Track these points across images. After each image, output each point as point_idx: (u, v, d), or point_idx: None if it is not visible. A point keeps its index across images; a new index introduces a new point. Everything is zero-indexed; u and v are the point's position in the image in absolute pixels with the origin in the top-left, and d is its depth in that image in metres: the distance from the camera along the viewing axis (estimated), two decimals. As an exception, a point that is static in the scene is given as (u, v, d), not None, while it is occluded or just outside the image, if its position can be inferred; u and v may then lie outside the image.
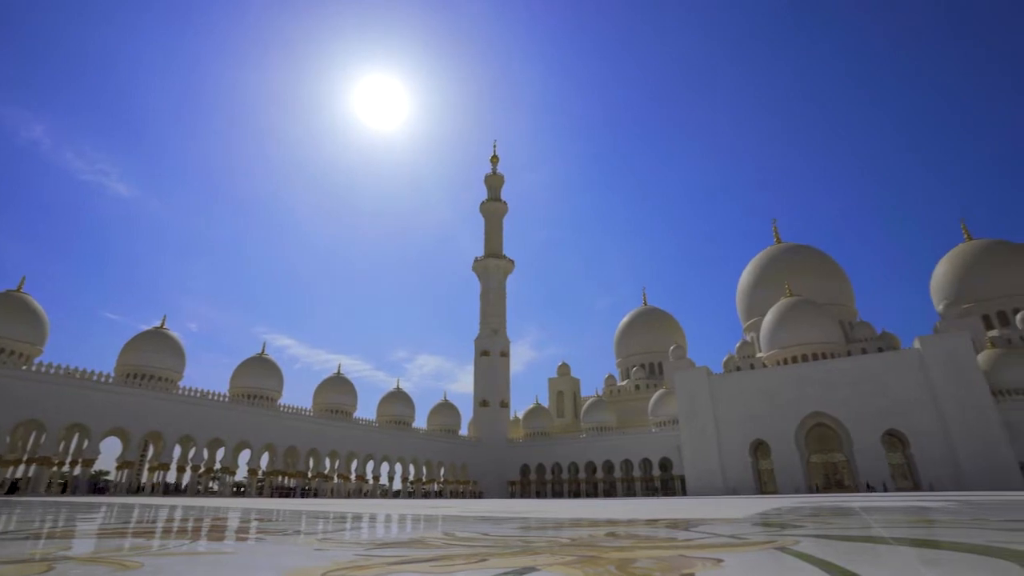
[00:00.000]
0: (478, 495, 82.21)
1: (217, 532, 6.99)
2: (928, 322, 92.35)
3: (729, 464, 67.31)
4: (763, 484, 65.98)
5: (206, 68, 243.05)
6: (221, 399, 59.97)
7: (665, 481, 76.17)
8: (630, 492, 78.31)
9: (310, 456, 68.50)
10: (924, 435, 58.54)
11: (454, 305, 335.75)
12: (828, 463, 64.30)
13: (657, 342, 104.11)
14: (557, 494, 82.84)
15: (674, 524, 8.75)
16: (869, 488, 58.36)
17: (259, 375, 69.67)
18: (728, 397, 70.15)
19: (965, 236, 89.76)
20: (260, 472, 65.28)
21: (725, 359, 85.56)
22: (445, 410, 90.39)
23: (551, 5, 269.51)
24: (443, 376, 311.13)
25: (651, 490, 77.57)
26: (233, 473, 61.60)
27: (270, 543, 5.37)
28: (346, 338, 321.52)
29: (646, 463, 78.28)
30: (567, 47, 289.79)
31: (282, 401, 69.80)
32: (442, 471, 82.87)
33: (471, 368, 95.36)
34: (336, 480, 71.20)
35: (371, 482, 73.66)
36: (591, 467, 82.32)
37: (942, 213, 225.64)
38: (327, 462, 69.84)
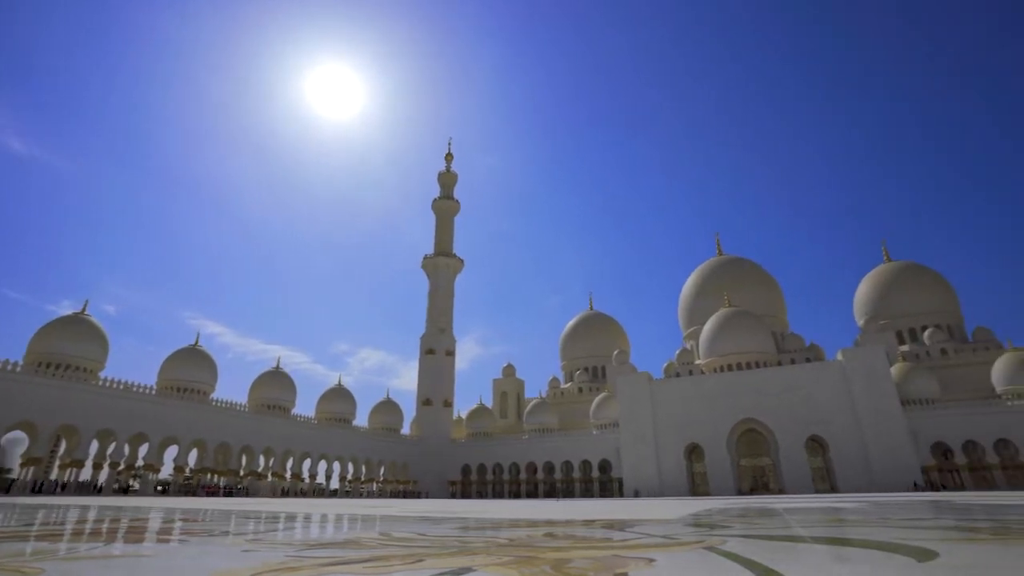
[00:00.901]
0: (418, 495, 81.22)
1: (135, 534, 6.57)
2: (851, 335, 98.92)
3: (665, 467, 69.58)
4: (696, 486, 68.61)
5: (145, 28, 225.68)
6: (148, 392, 56.43)
7: (604, 483, 77.87)
8: (569, 493, 79.53)
9: (243, 453, 65.61)
10: (842, 441, 62.60)
11: (400, 299, 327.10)
12: (756, 466, 67.63)
13: (601, 346, 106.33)
14: (498, 495, 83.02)
15: (610, 525, 8.94)
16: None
17: (191, 367, 65.96)
18: (667, 402, 72.52)
19: (885, 257, 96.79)
20: (188, 470, 61.94)
21: (666, 365, 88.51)
22: (387, 408, 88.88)
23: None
24: (386, 371, 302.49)
25: (590, 492, 79.10)
26: (157, 471, 58.14)
27: (194, 544, 5.10)
28: (283, 328, 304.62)
29: (586, 465, 79.74)
30: (526, 44, 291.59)
31: (215, 396, 66.40)
32: (382, 470, 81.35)
33: (415, 364, 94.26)
34: (271, 478, 68.54)
35: (307, 481, 71.35)
36: (532, 468, 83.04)
37: (868, 234, 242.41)
38: (261, 460, 67.10)
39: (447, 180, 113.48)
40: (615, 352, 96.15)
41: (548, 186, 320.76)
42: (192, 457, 62.76)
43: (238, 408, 64.99)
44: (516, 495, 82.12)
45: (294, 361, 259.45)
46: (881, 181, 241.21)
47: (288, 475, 68.61)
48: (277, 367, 76.72)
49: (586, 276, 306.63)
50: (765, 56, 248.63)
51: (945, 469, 62.58)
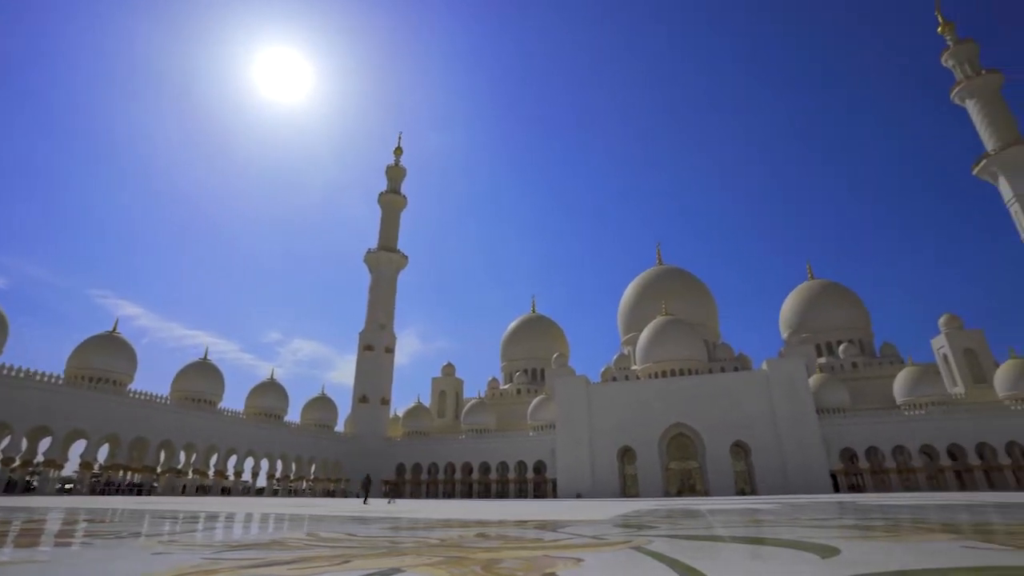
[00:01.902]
0: (351, 494, 79.10)
1: (30, 536, 6.03)
2: (776, 347, 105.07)
3: (599, 468, 71.25)
4: (627, 488, 70.67)
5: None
6: (54, 381, 51.85)
7: (538, 484, 78.82)
8: (503, 494, 79.92)
9: (161, 449, 61.58)
10: (763, 446, 66.34)
11: (338, 289, 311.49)
12: (684, 470, 70.50)
13: (542, 349, 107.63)
14: (432, 494, 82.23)
15: (542, 525, 9.06)
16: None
17: (108, 354, 61.09)
18: (603, 405, 74.30)
19: (809, 276, 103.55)
20: (97, 466, 57.41)
21: (603, 369, 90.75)
22: (321, 404, 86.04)
23: None
24: (320, 364, 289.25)
25: (524, 492, 79.79)
26: (60, 467, 53.55)
27: (99, 548, 4.74)
28: (210, 313, 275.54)
29: (521, 465, 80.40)
30: (480, 38, 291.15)
31: (134, 387, 61.91)
32: (313, 468, 78.69)
33: (351, 357, 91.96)
34: (192, 476, 64.68)
35: (232, 478, 67.90)
36: (468, 468, 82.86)
37: (796, 254, 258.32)
38: (182, 456, 63.20)
39: (395, 174, 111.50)
40: (555, 355, 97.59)
41: (498, 184, 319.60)
42: (103, 453, 58.21)
43: (159, 400, 60.93)
44: (450, 495, 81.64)
45: (220, 350, 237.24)
46: (809, 205, 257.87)
47: (211, 472, 65.09)
48: (205, 358, 72.63)
49: (530, 277, 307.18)
50: (718, 70, 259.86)
51: (850, 472, 67.62)
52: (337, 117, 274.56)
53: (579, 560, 4.16)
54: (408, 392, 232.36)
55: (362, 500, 35.94)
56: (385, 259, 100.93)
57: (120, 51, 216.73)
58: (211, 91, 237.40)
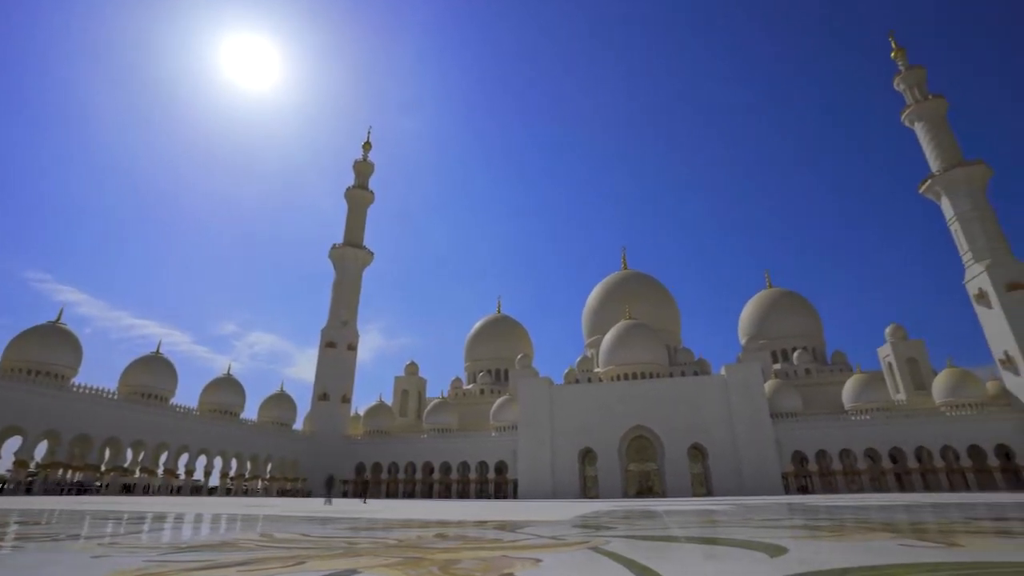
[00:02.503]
0: (307, 494, 77.35)
1: (-43, 536, 5.66)
2: (734, 352, 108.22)
3: (559, 470, 71.81)
4: (587, 489, 71.45)
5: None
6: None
7: (499, 484, 78.84)
8: (464, 494, 79.63)
9: (106, 447, 58.76)
10: (719, 448, 68.17)
11: (301, 282, 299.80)
12: (643, 471, 71.77)
13: (506, 350, 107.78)
14: (392, 494, 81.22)
15: (502, 526, 9.06)
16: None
17: (50, 346, 57.84)
18: (565, 407, 74.94)
19: (768, 284, 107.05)
20: (33, 465, 54.33)
21: (566, 371, 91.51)
22: (280, 401, 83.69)
23: None
24: (279, 358, 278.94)
25: (485, 493, 79.70)
26: (-7, 465, 50.48)
27: (32, 552, 4.49)
28: (160, 300, 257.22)
29: (482, 466, 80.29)
30: (456, 34, 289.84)
31: (78, 380, 58.84)
32: (269, 467, 76.57)
33: (312, 352, 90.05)
34: (139, 474, 61.92)
35: (183, 477, 65.39)
36: (429, 468, 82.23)
37: (755, 262, 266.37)
38: (129, 454, 60.45)
39: (363, 169, 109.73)
40: (519, 356, 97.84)
41: (467, 181, 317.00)
42: (40, 451, 55.16)
43: (105, 395, 58.08)
44: (410, 495, 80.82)
45: (171, 341, 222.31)
46: (769, 216, 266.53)
47: (160, 471, 62.50)
48: (157, 352, 69.65)
49: (496, 277, 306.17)
50: (694, 75, 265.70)
51: (800, 474, 70.21)
52: (304, 105, 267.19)
53: (537, 560, 4.18)
54: (370, 389, 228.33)
55: (324, 501, 35.10)
56: (351, 255, 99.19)
57: (67, 18, 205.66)
58: (170, 69, 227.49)
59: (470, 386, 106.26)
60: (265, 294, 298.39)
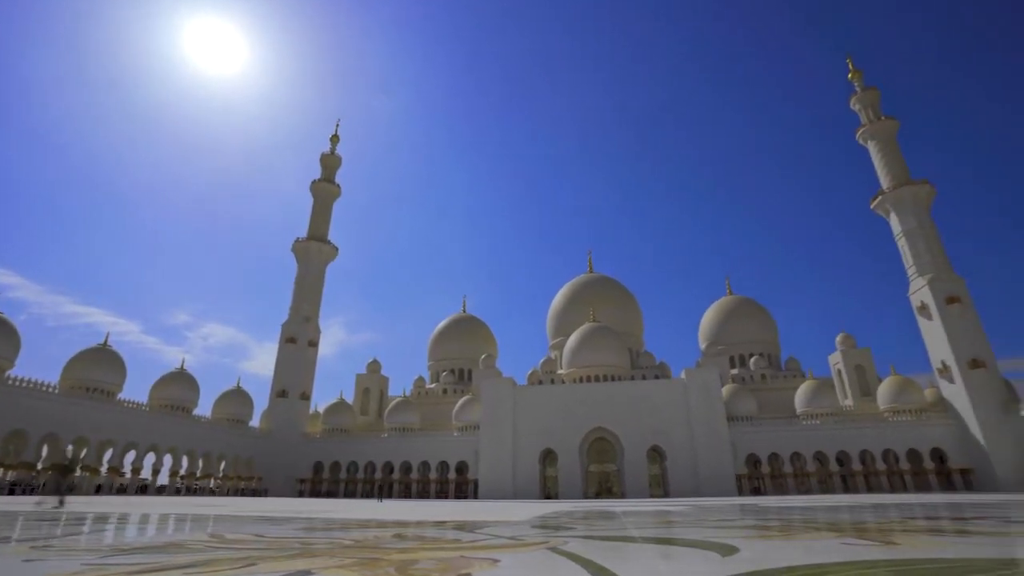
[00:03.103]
0: (262, 493, 75.20)
1: None
2: (694, 357, 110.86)
3: (521, 470, 72.04)
4: (547, 490, 71.92)
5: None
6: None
7: (460, 484, 78.55)
8: (425, 494, 78.99)
9: (44, 443, 55.70)
10: (677, 450, 69.71)
11: (261, 272, 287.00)
12: (603, 472, 72.72)
13: (470, 349, 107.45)
14: (350, 494, 79.83)
15: (461, 526, 9.03)
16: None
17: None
18: (528, 408, 75.24)
19: (727, 290, 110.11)
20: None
21: (530, 372, 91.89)
22: (236, 398, 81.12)
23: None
24: (235, 351, 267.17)
25: (445, 493, 79.28)
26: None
27: (-41, 550, 4.21)
28: (104, 286, 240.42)
29: (443, 466, 79.83)
30: (428, 27, 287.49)
31: (15, 372, 55.51)
32: (223, 465, 74.09)
33: (271, 346, 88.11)
34: (80, 473, 58.91)
35: (129, 476, 62.57)
36: (389, 467, 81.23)
37: (718, 269, 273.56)
38: (70, 451, 57.40)
39: (330, 162, 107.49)
40: (483, 356, 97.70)
41: (438, 177, 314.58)
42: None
43: (44, 388, 55.01)
44: (369, 495, 79.59)
45: (118, 331, 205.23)
46: (731, 225, 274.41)
47: (104, 469, 59.64)
48: (105, 344, 66.45)
49: (463, 276, 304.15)
50: (668, 81, 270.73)
51: (753, 476, 72.48)
52: (268, 88, 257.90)
53: (495, 561, 4.18)
54: (331, 386, 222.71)
55: (376, 500, 34.13)
56: (315, 250, 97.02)
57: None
58: (124, 42, 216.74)
59: (433, 385, 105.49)
60: (221, 283, 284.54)
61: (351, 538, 6.00)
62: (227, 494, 72.44)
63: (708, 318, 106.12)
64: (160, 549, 4.55)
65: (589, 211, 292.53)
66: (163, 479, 67.47)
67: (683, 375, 74.49)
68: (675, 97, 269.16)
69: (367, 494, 79.66)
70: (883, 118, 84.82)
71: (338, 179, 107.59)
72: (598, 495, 69.96)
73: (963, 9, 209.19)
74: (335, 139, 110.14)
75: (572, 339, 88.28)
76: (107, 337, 67.26)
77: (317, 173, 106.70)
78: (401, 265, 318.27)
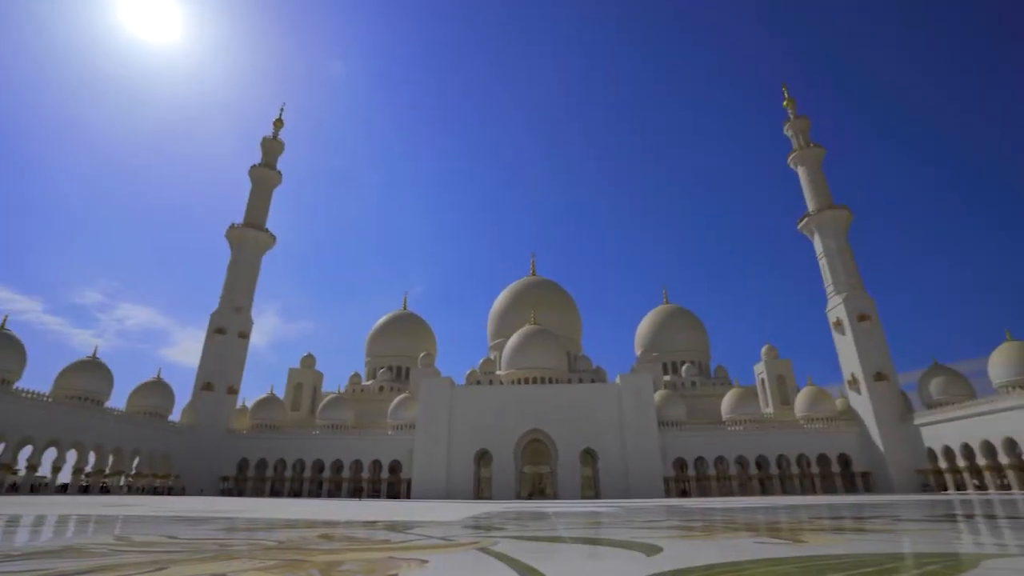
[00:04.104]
0: (180, 491, 70.75)
1: None
2: (629, 362, 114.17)
3: (455, 471, 71.65)
4: (481, 490, 71.93)
5: None
6: None
7: (392, 484, 77.21)
8: (356, 493, 77.04)
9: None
10: (609, 453, 71.55)
11: (187, 248, 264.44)
12: (537, 474, 73.58)
13: (409, 347, 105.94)
14: (276, 492, 76.63)
15: (392, 526, 8.88)
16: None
17: None
18: (465, 408, 74.97)
19: (664, 300, 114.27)
20: None
21: (469, 372, 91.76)
22: (155, 389, 75.88)
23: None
24: (154, 337, 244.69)
25: (377, 492, 77.63)
26: None
27: None
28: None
29: (376, 465, 78.20)
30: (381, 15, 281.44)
31: None
32: (136, 462, 69.12)
33: (196, 332, 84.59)
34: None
35: (23, 473, 57.17)
36: (319, 466, 78.66)
37: (654, 278, 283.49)
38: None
39: (272, 147, 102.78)
40: (422, 355, 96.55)
41: (387, 164, 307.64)
42: None
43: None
44: (297, 494, 76.74)
45: (16, 309, 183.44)
46: (670, 238, 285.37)
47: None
48: (2, 327, 60.43)
49: (404, 272, 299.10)
50: (621, 86, 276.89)
51: (680, 479, 75.53)
52: (208, 57, 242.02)
53: (424, 561, 4.13)
54: (259, 377, 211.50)
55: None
56: (251, 238, 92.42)
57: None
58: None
59: (369, 382, 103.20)
60: (141, 259, 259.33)
61: (274, 539, 5.77)
62: (139, 493, 67.78)
63: (644, 325, 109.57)
64: (56, 554, 4.19)
65: (535, 214, 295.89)
66: (65, 476, 62.29)
67: (618, 380, 76.54)
68: (628, 110, 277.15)
69: (295, 493, 76.79)
70: (812, 145, 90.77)
71: (283, 156, 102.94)
72: (531, 496, 70.69)
73: (884, 50, 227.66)
74: (279, 123, 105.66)
75: (512, 341, 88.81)
76: (4, 320, 61.25)
77: (256, 146, 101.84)
78: (343, 253, 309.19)
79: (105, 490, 65.14)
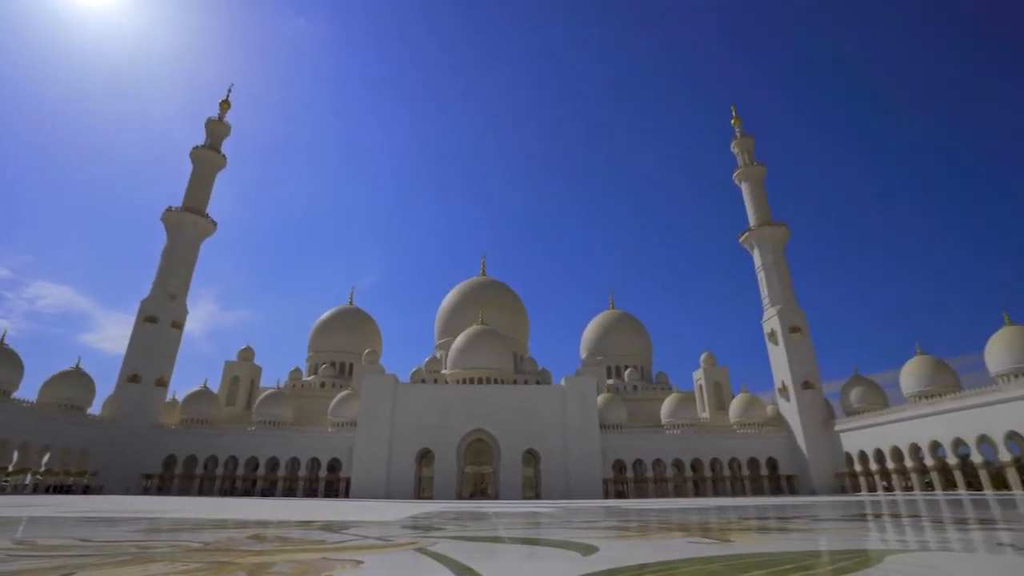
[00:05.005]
0: (97, 490, 66.00)
1: None
2: (575, 365, 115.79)
3: (396, 470, 70.54)
4: (422, 490, 71.15)
5: None
6: None
7: (331, 483, 75.13)
8: (292, 492, 74.49)
9: None
10: (552, 454, 72.41)
11: (116, 222, 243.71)
12: (479, 474, 73.48)
13: (354, 343, 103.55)
14: (205, 491, 72.93)
15: (328, 526, 8.65)
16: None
17: None
18: (408, 406, 73.95)
19: (611, 305, 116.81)
20: None
21: (414, 370, 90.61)
22: (74, 380, 70.22)
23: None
24: (73, 320, 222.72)
25: (314, 491, 75.36)
26: None
27: None
28: None
29: (315, 463, 75.91)
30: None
31: None
32: (46, 458, 64.02)
33: (122, 317, 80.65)
34: None
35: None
36: (253, 464, 75.51)
37: (602, 283, 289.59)
38: None
39: (217, 129, 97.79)
40: (367, 351, 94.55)
41: (340, 163, 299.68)
42: None
43: None
44: (228, 492, 73.34)
45: None
46: (619, 243, 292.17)
47: None
48: None
49: (353, 266, 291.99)
50: (583, 100, 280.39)
51: (618, 481, 77.42)
52: (153, 18, 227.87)
53: (359, 562, 4.05)
54: (192, 368, 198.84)
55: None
56: (189, 223, 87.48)
57: None
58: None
59: (311, 378, 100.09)
60: (60, 231, 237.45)
61: (201, 540, 5.50)
62: (47, 491, 62.90)
63: (591, 329, 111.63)
64: (-51, 555, 3.84)
65: (489, 214, 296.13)
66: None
67: (563, 382, 77.60)
68: (586, 115, 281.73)
69: (227, 492, 73.38)
70: (755, 163, 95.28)
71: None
72: (472, 496, 70.56)
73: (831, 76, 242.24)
74: (225, 105, 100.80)
75: (459, 340, 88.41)
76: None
77: (199, 120, 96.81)
78: (290, 238, 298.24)
79: (7, 489, 60.03)
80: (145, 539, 5.59)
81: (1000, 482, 53.30)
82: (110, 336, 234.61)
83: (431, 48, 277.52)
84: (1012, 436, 51.10)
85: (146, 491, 70.63)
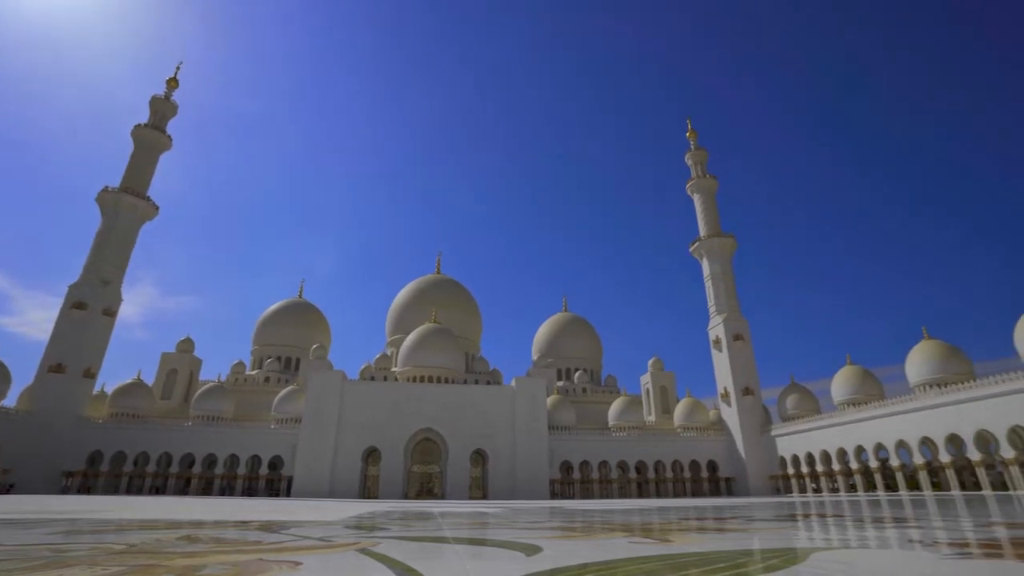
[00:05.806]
0: (7, 489, 61.22)
1: None
2: (526, 366, 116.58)
3: (341, 468, 68.91)
4: (367, 489, 69.79)
5: None
6: None
7: (271, 481, 72.57)
8: (230, 491, 71.49)
9: None
10: (499, 454, 72.58)
11: (41, 195, 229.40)
12: (426, 473, 72.81)
13: (301, 337, 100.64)
14: (135, 490, 69.00)
15: (266, 526, 8.36)
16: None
17: None
18: (356, 404, 72.45)
19: (564, 308, 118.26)
20: None
21: (363, 367, 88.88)
22: (-13, 370, 65.16)
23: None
24: None
25: (254, 490, 72.59)
26: None
27: None
28: None
29: (255, 460, 73.16)
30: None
31: None
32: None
33: (47, 300, 73.70)
34: None
35: None
36: (188, 461, 72.00)
37: (556, 286, 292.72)
38: None
39: (162, 108, 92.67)
40: (314, 346, 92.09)
41: (295, 151, 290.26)
42: None
43: None
44: (159, 491, 69.67)
45: None
46: (570, 248, 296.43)
47: None
48: None
49: (302, 259, 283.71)
50: (546, 100, 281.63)
51: (564, 482, 78.45)
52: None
53: (297, 564, 3.93)
54: (125, 358, 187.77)
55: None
56: (128, 206, 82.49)
57: None
58: None
59: (255, 372, 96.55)
60: None
61: (126, 542, 5.20)
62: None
63: (543, 331, 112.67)
64: None
65: (444, 212, 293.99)
66: None
67: (513, 383, 77.94)
68: (547, 115, 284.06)
69: (158, 490, 69.68)
70: (707, 176, 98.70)
71: (170, 129, 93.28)
72: (419, 496, 69.80)
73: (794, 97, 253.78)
74: (173, 83, 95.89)
75: (411, 338, 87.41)
76: None
77: (149, 85, 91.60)
78: (239, 223, 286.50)
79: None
80: (63, 542, 5.25)
81: (913, 484, 57.53)
82: (31, 320, 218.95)
83: (389, 42, 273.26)
84: (925, 441, 55.09)
85: (65, 490, 66.16)
